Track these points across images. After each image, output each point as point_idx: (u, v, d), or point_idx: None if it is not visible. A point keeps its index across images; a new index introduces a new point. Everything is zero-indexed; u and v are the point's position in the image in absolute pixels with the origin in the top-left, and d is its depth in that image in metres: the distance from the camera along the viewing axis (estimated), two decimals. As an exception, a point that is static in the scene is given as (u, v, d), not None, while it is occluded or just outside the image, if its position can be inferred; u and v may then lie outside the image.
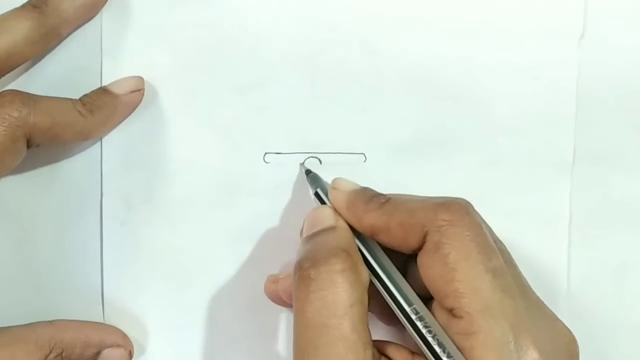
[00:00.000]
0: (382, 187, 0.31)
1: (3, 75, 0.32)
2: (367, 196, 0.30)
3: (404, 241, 0.29)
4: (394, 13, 0.35)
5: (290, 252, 0.34)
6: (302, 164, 0.35)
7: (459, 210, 0.28)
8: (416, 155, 0.35)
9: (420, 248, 0.28)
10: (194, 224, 0.35)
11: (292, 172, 0.35)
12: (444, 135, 0.35)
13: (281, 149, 0.35)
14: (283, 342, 0.35)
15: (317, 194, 0.32)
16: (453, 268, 0.27)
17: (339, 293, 0.27)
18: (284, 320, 0.35)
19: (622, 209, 0.36)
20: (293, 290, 0.28)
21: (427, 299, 0.29)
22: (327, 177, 0.34)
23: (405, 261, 0.30)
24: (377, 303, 0.30)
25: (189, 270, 0.35)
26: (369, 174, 0.35)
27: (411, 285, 0.29)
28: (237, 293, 0.35)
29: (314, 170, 0.34)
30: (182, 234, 0.35)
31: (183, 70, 0.35)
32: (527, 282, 0.29)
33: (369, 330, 0.27)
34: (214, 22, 0.35)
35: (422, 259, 0.28)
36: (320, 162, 0.35)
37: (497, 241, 0.29)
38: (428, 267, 0.28)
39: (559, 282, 0.36)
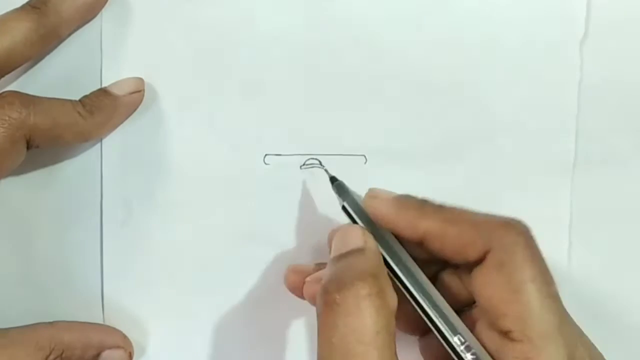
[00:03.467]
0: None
1: (3, 76, 0.32)
2: (418, 200, 0.30)
3: (459, 252, 0.28)
4: (395, 14, 0.35)
5: (291, 253, 0.35)
6: (326, 170, 0.33)
7: (524, 232, 0.28)
8: (416, 156, 0.35)
9: (476, 262, 0.28)
10: (193, 226, 0.35)
11: (292, 173, 0.35)
12: (444, 136, 0.35)
13: (281, 150, 0.35)
14: (283, 342, 0.35)
15: (344, 208, 0.31)
16: (516, 290, 0.26)
17: (365, 319, 0.26)
18: (284, 321, 0.35)
19: (622, 210, 0.36)
20: (318, 313, 0.27)
21: (458, 308, 0.28)
22: (326, 177, 0.34)
23: (437, 271, 0.30)
24: (403, 313, 0.29)
25: (189, 271, 0.35)
26: (369, 175, 0.35)
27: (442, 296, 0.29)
28: (236, 294, 0.35)
29: (314, 172, 0.34)
30: (181, 235, 0.35)
31: (183, 72, 0.35)
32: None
33: (396, 357, 0.26)
34: (213, 23, 0.35)
35: (480, 276, 0.28)
36: (321, 163, 0.35)
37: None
38: (487, 285, 0.27)
39: (559, 282, 0.35)
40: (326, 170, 0.33)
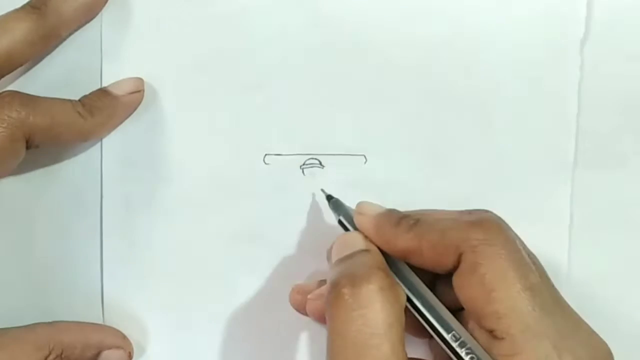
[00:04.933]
0: (382, 188, 0.32)
1: (3, 76, 0.32)
2: (395, 219, 0.30)
3: (438, 262, 0.28)
4: (395, 15, 0.35)
5: (291, 253, 0.35)
6: (322, 189, 0.33)
7: (492, 228, 0.27)
8: (416, 156, 0.35)
9: (454, 268, 0.28)
10: (193, 225, 0.35)
11: (292, 173, 0.35)
12: (444, 136, 0.35)
13: (281, 150, 0.35)
14: (282, 342, 0.35)
15: (340, 222, 0.32)
16: (491, 289, 0.26)
17: (378, 312, 0.26)
18: (283, 321, 0.35)
19: (622, 211, 0.36)
20: (328, 309, 0.27)
21: (457, 310, 0.28)
22: (326, 177, 0.34)
23: (433, 278, 0.30)
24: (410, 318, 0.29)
25: (189, 271, 0.35)
26: (369, 175, 0.35)
27: (442, 302, 0.29)
28: (236, 294, 0.35)
29: (314, 171, 0.34)
30: (181, 234, 0.35)
31: (183, 72, 0.35)
32: (561, 295, 0.29)
33: (405, 352, 0.26)
34: (213, 24, 0.35)
35: (458, 280, 0.28)
36: (321, 163, 0.35)
37: (530, 255, 0.28)
38: (465, 288, 0.27)
39: (559, 283, 0.35)
40: (322, 190, 0.33)
